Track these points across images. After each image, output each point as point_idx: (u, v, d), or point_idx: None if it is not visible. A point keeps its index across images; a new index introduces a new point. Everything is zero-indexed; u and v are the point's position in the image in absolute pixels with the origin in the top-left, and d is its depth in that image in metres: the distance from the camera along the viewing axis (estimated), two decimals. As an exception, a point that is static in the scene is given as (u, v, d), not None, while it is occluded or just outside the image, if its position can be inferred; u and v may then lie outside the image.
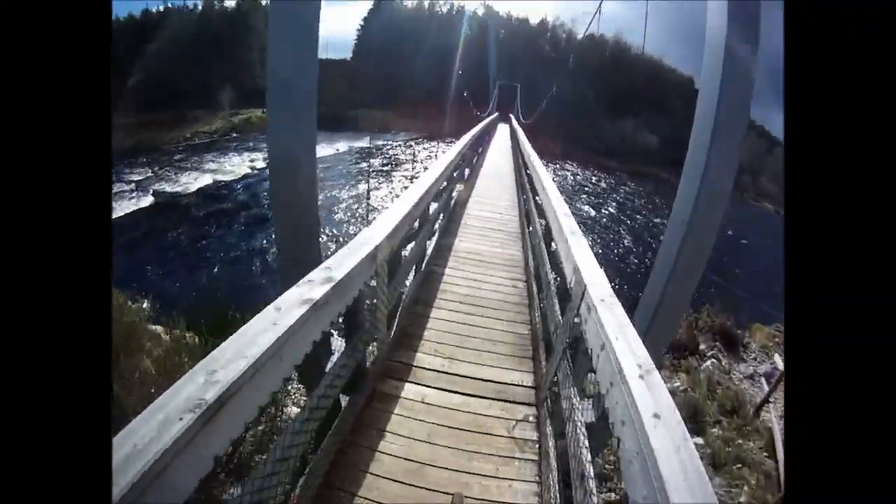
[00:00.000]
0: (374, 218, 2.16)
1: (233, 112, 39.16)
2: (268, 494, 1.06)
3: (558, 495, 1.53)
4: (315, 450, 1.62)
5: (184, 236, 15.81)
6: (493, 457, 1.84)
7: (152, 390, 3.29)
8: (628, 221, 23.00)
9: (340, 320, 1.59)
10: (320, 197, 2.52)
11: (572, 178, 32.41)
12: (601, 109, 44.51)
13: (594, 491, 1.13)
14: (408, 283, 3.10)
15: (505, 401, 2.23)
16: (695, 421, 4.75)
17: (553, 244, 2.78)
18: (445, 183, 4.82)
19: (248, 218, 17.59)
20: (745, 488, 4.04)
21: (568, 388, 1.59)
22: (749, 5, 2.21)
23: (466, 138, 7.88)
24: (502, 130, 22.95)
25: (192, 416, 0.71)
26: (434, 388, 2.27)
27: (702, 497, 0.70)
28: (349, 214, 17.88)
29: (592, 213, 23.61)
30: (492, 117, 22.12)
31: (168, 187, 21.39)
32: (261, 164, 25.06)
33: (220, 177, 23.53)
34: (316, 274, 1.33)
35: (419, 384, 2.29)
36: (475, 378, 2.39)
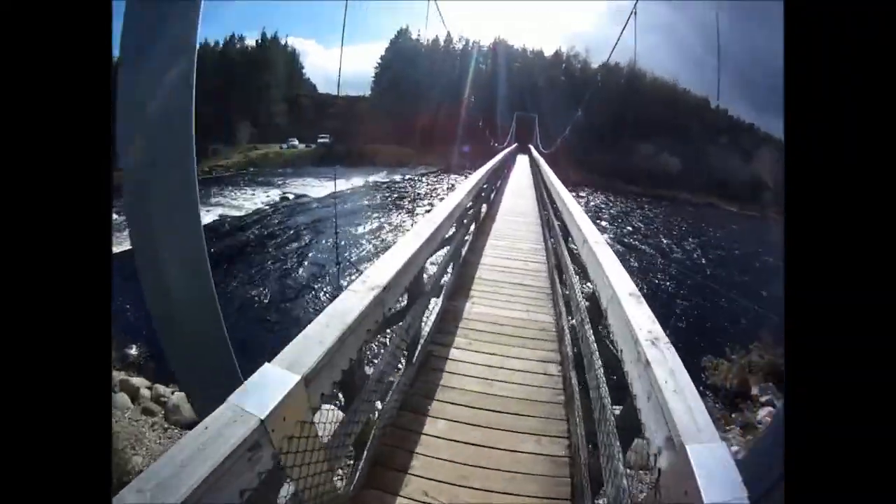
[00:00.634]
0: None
1: (249, 146, 40.59)
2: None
3: None
4: None
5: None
6: None
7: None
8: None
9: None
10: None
11: (595, 204, 30.35)
12: (620, 135, 44.50)
13: None
14: (394, 378, 2.17)
15: None
16: None
17: (608, 334, 1.66)
18: (453, 230, 3.88)
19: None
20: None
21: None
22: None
23: (481, 172, 6.86)
24: (521, 161, 22.33)
25: None
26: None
27: None
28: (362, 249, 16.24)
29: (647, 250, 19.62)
30: (510, 148, 21.66)
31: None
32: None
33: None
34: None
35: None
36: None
